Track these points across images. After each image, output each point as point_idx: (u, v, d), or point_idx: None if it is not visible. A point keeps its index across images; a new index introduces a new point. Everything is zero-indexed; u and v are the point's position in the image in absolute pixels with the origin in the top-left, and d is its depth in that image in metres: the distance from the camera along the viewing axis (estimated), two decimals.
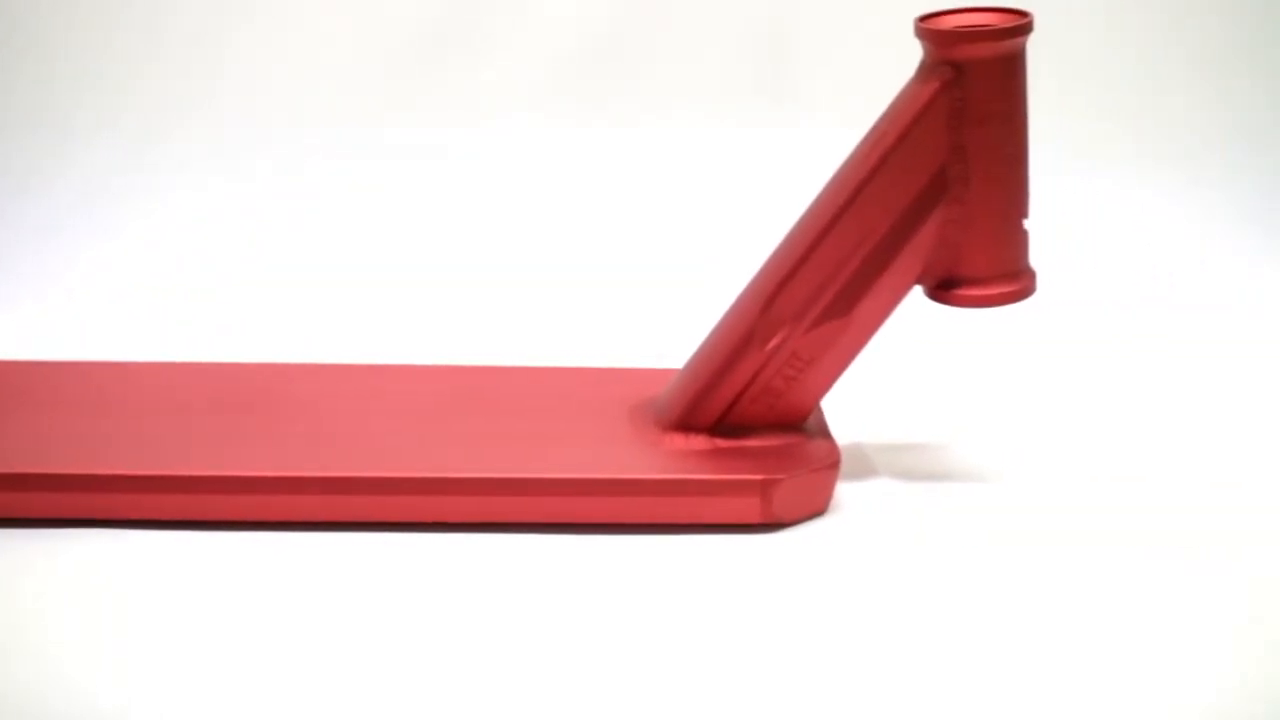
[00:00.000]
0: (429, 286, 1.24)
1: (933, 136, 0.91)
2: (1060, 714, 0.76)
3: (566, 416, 0.98)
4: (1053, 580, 0.87)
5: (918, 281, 0.94)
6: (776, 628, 0.83)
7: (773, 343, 0.93)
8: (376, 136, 1.33)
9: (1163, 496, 0.95)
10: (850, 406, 1.01)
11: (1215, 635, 0.82)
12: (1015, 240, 0.93)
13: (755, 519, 0.91)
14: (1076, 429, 1.03)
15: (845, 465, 0.95)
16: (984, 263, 0.93)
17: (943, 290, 0.93)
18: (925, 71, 0.91)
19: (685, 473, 0.92)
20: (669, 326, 1.05)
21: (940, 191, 0.91)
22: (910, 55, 0.92)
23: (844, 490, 0.95)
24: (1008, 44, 0.90)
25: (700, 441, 0.94)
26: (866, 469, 0.98)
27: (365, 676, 0.79)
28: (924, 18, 0.92)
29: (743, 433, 0.95)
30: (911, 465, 0.99)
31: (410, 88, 1.35)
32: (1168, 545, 0.90)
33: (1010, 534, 0.91)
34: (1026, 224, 0.93)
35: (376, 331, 1.18)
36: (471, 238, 1.28)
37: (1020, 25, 0.90)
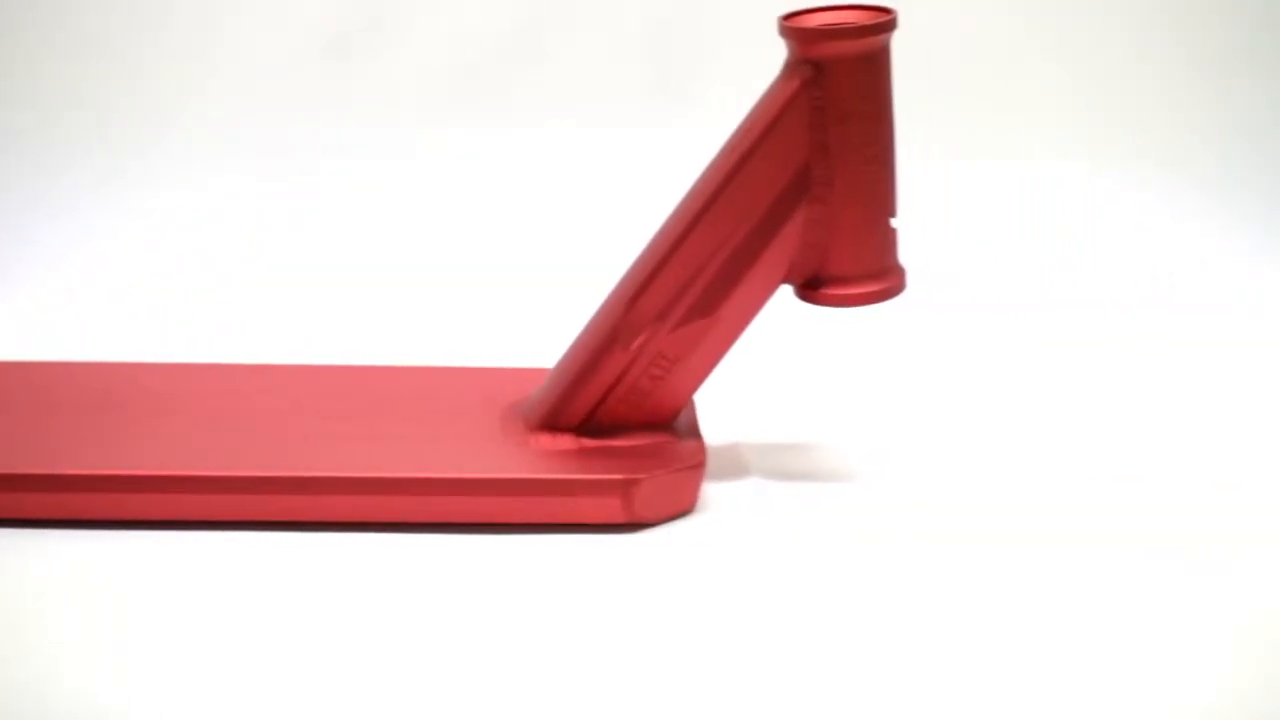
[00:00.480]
0: (426, 287, 1.24)
1: (793, 135, 0.90)
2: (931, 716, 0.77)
3: (440, 416, 0.97)
4: (932, 580, 0.87)
5: (784, 280, 0.93)
6: (628, 625, 0.83)
7: (636, 342, 0.93)
8: (377, 136, 1.33)
9: (1159, 497, 0.95)
10: (736, 407, 1.02)
11: (1216, 636, 0.82)
12: (881, 239, 0.93)
13: (617, 519, 0.91)
14: (1043, 430, 1.04)
15: (721, 465, 0.95)
16: (849, 262, 0.92)
17: (809, 289, 0.93)
18: (787, 70, 0.91)
19: (547, 472, 0.92)
20: (562, 326, 1.05)
21: (802, 190, 0.91)
22: None
23: (716, 490, 0.95)
24: (868, 42, 0.89)
25: (567, 441, 0.94)
26: (741, 468, 0.98)
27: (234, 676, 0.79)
28: (788, 16, 0.91)
29: (610, 432, 0.95)
30: (788, 466, 0.98)
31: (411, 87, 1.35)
32: (1162, 546, 0.90)
33: (879, 534, 0.91)
34: (895, 223, 0.93)
35: (375, 331, 1.18)
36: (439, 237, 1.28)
37: (881, 23, 0.89)
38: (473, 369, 1.04)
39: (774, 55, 0.91)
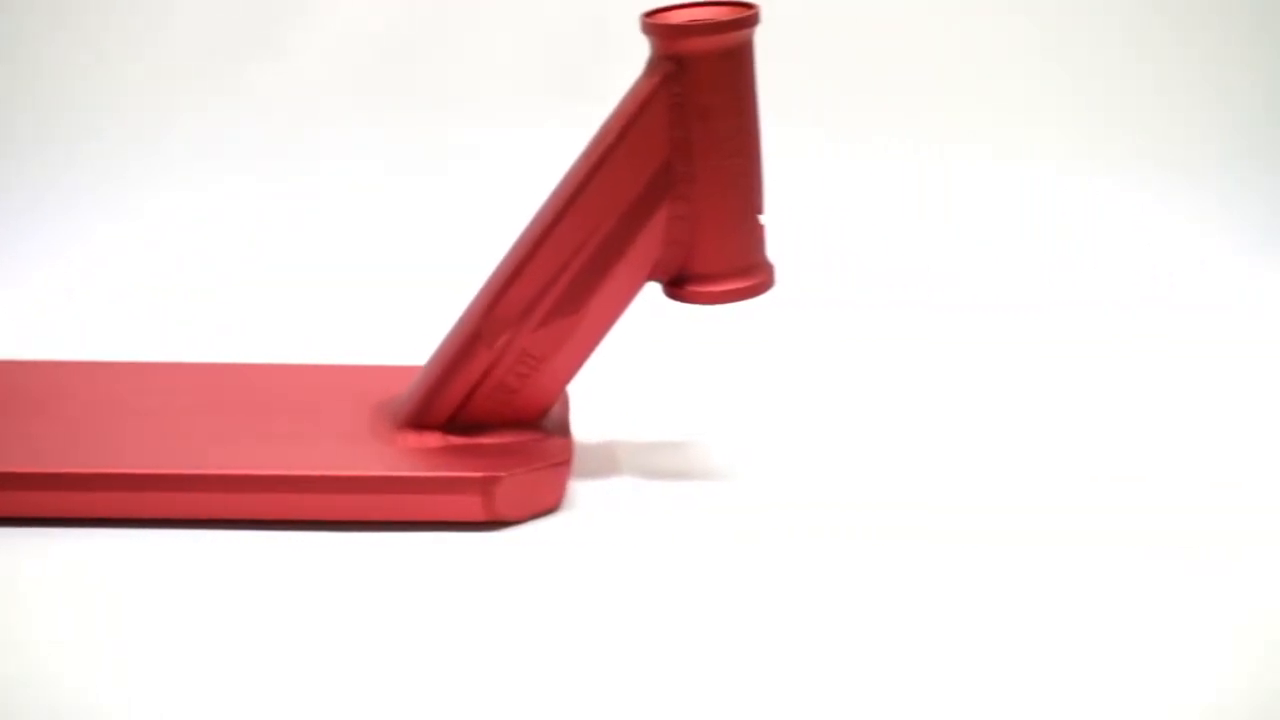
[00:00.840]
0: (426, 287, 1.24)
1: (654, 132, 0.90)
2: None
3: (313, 414, 0.97)
4: (804, 580, 0.87)
5: (650, 278, 0.93)
6: (477, 622, 0.83)
7: (500, 341, 0.93)
8: (376, 136, 1.33)
9: (1156, 497, 0.95)
10: (613, 405, 1.02)
11: (1216, 636, 0.82)
12: (747, 236, 0.93)
13: (478, 516, 0.91)
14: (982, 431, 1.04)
15: (594, 463, 0.96)
16: (715, 259, 0.92)
17: (675, 287, 0.93)
18: (649, 66, 0.91)
19: (406, 470, 0.91)
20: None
21: (665, 187, 0.91)
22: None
23: (586, 488, 0.95)
24: (728, 38, 0.89)
25: (433, 439, 0.94)
26: (613, 466, 0.98)
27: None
28: (650, 13, 0.91)
29: (477, 430, 0.95)
30: (663, 464, 0.98)
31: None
32: (1158, 546, 0.90)
33: (750, 532, 0.91)
34: (763, 219, 0.93)
35: (375, 331, 1.18)
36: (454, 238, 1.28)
37: (742, 19, 0.89)
38: (352, 366, 1.04)
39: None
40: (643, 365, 1.09)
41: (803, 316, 1.17)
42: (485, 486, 0.91)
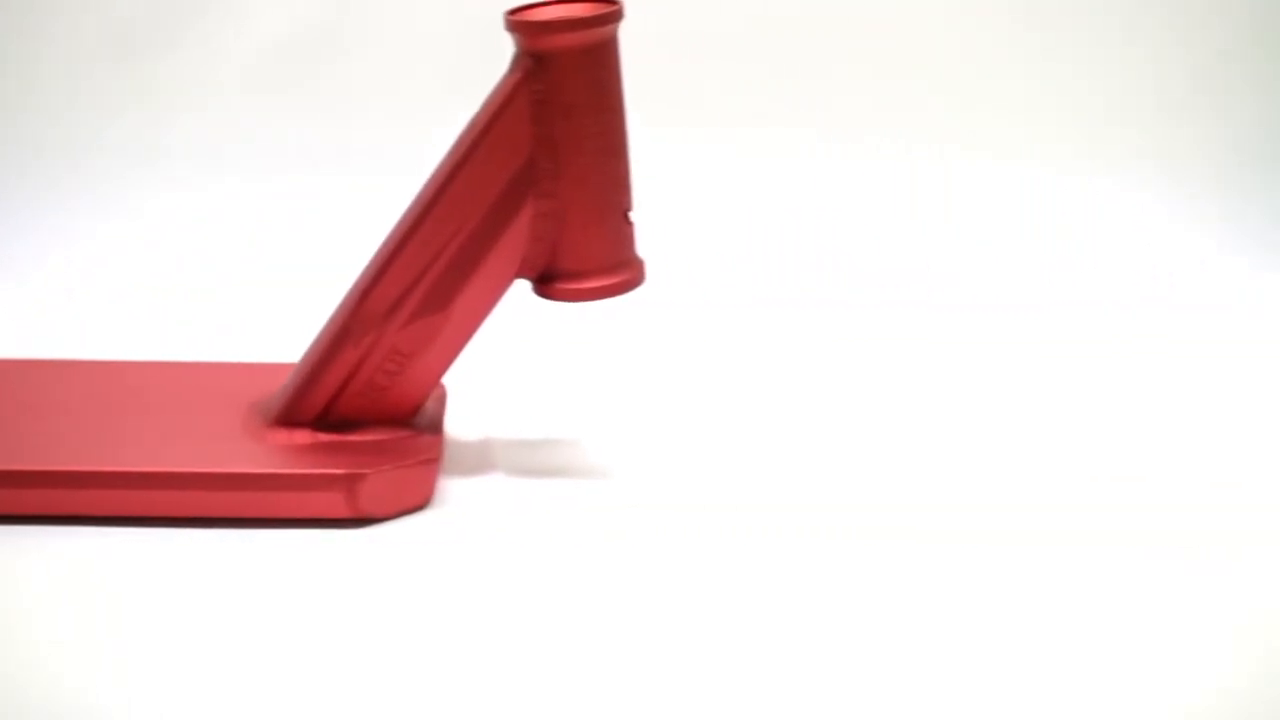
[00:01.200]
0: None
1: (517, 129, 0.90)
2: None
3: (187, 411, 0.97)
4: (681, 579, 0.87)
5: (518, 276, 0.93)
6: (338, 618, 0.83)
7: (367, 338, 0.93)
8: (377, 137, 1.33)
9: (1155, 496, 0.95)
10: (492, 403, 1.03)
11: (1215, 636, 0.82)
12: (614, 233, 0.93)
13: (342, 513, 0.91)
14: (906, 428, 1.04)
15: (468, 460, 0.96)
16: (581, 256, 0.92)
17: (543, 284, 0.93)
18: (512, 64, 0.91)
19: (272, 467, 0.91)
20: None
21: (529, 184, 0.91)
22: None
23: (458, 485, 0.95)
24: (589, 34, 0.89)
25: (303, 436, 0.94)
26: (487, 464, 0.98)
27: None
28: (514, 10, 0.91)
29: (347, 427, 0.95)
30: (538, 462, 0.98)
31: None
32: (1158, 546, 0.90)
33: (621, 531, 0.91)
34: (633, 216, 0.93)
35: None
36: None
37: (603, 15, 0.89)
38: (231, 364, 1.04)
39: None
40: (522, 363, 1.09)
41: (715, 316, 1.19)
42: (349, 483, 0.91)
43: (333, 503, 0.91)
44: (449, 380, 0.98)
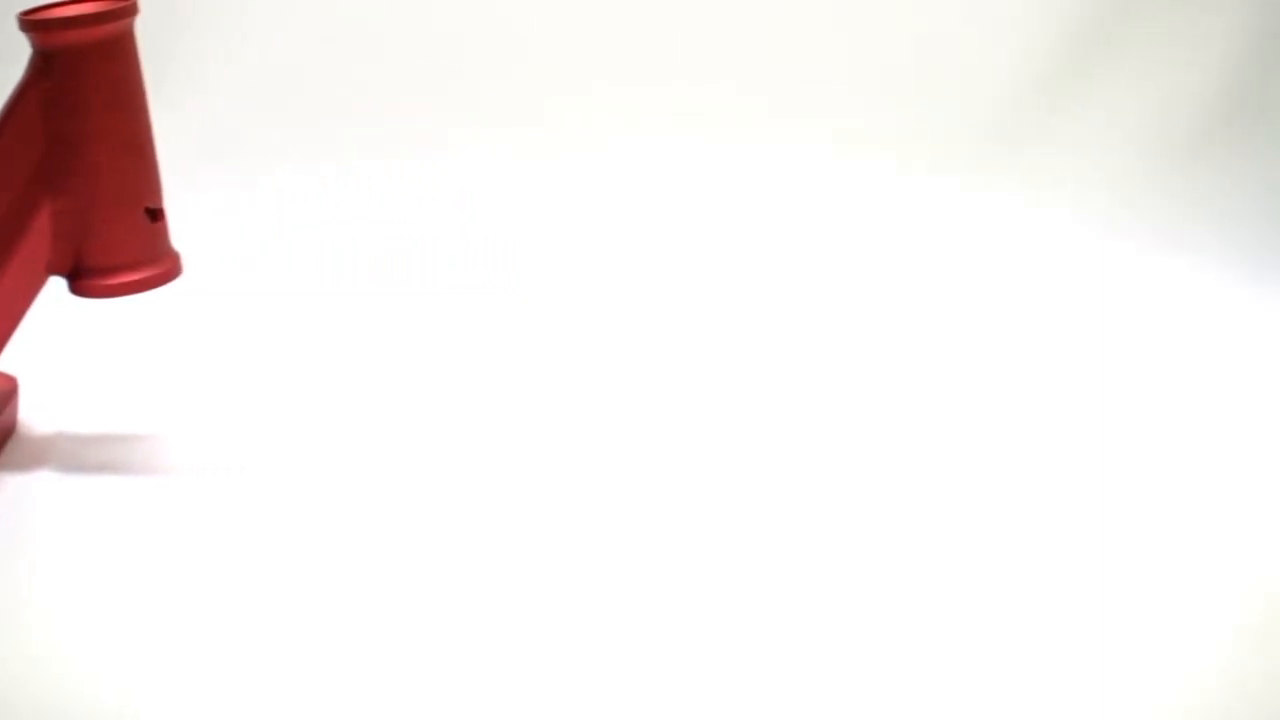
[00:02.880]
0: (425, 287, 1.24)
1: (28, 128, 0.91)
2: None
3: None
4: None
5: (50, 273, 0.93)
6: None
7: None
8: (377, 137, 1.33)
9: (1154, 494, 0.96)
10: (63, 399, 1.04)
11: (1213, 636, 0.83)
12: (138, 230, 0.93)
13: None
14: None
15: (35, 454, 0.97)
16: (108, 253, 0.93)
17: (74, 280, 0.94)
18: (29, 63, 0.91)
19: None
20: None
21: (45, 183, 0.91)
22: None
23: (14, 479, 0.95)
24: (93, 31, 0.90)
25: None
26: (51, 458, 0.98)
27: None
28: (27, 10, 0.91)
29: None
30: (102, 457, 0.99)
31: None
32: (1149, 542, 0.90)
33: (167, 529, 0.92)
34: (161, 210, 0.94)
35: (376, 332, 1.18)
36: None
37: (108, 12, 0.90)
38: None
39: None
40: (97, 359, 1.10)
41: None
42: None
43: None
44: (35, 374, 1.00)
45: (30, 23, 0.90)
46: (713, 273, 1.25)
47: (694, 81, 1.33)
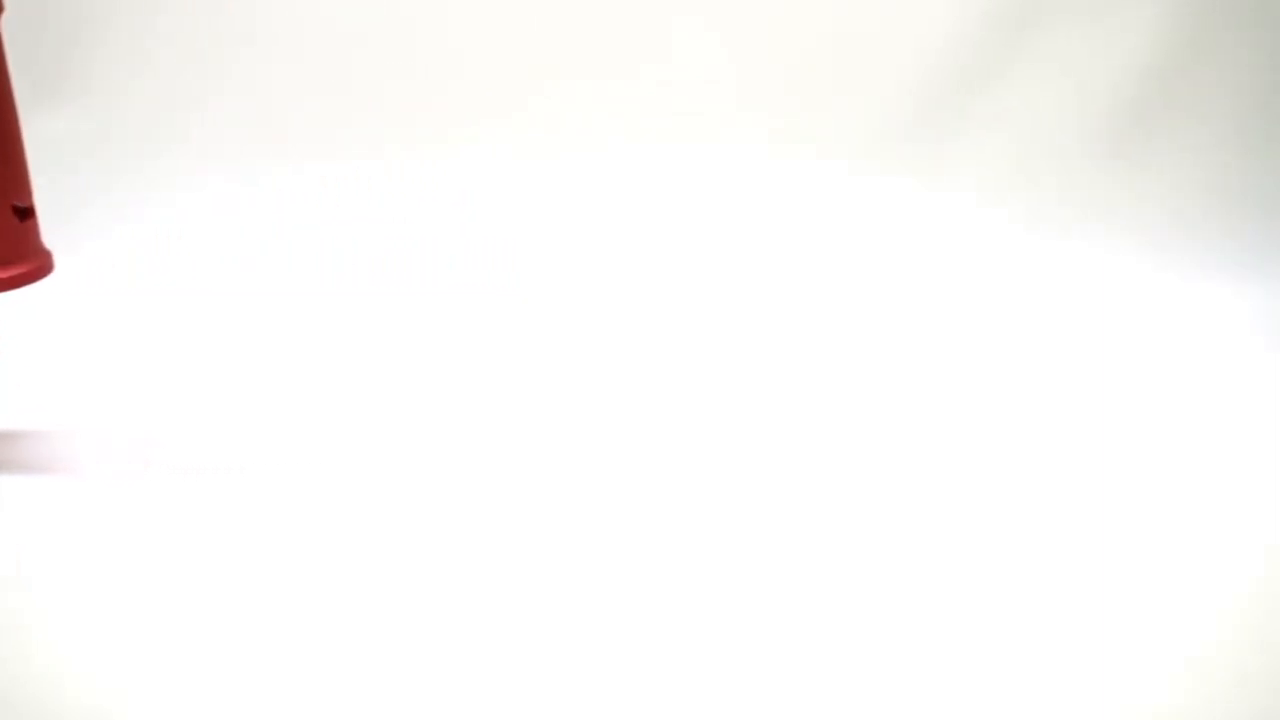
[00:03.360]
0: (424, 286, 1.24)
1: None
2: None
3: None
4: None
5: None
6: None
7: None
8: (376, 138, 1.33)
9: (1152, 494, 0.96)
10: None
11: (1213, 636, 0.83)
12: (3, 228, 0.93)
13: None
14: None
15: None
16: None
17: None
18: None
19: None
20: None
21: None
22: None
23: None
24: None
25: None
26: None
27: None
28: None
29: None
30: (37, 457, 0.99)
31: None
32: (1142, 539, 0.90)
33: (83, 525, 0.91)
34: (29, 208, 0.93)
35: (376, 331, 1.18)
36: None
37: None
38: None
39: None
40: (97, 359, 1.11)
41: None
42: None
43: None
44: None
45: None
46: (712, 273, 1.25)
47: (694, 82, 1.33)
